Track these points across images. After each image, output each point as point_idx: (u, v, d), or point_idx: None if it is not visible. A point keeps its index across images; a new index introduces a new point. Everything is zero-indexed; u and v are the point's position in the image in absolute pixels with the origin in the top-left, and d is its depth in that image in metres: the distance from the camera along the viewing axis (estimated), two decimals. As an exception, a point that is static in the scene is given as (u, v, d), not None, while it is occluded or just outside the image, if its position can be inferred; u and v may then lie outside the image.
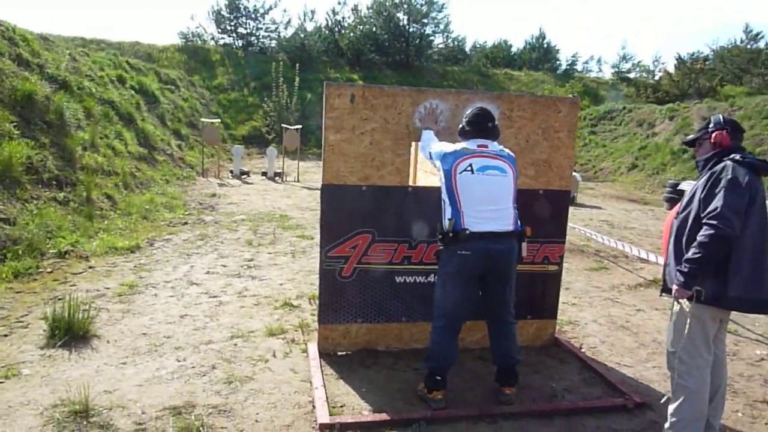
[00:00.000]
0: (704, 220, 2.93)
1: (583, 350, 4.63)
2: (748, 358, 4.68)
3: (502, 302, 3.65)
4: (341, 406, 3.53)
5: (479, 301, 3.67)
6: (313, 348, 4.29)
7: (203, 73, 24.76)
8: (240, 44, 29.63)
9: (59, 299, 4.99)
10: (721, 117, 3.26)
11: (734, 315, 5.72)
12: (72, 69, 12.00)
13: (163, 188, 11.34)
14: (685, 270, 2.96)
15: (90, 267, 6.17)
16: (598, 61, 49.92)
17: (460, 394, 3.75)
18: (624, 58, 36.80)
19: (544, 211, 4.40)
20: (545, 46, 36.31)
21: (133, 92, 15.05)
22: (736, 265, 2.95)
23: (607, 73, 36.93)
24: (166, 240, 7.67)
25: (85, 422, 3.19)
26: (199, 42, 29.42)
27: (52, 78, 10.29)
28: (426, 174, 5.41)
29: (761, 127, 16.09)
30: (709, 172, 3.06)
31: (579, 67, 36.85)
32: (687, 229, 3.07)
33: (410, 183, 4.75)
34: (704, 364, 3.09)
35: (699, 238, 2.92)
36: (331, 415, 3.36)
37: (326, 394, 3.61)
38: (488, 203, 3.45)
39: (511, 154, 3.70)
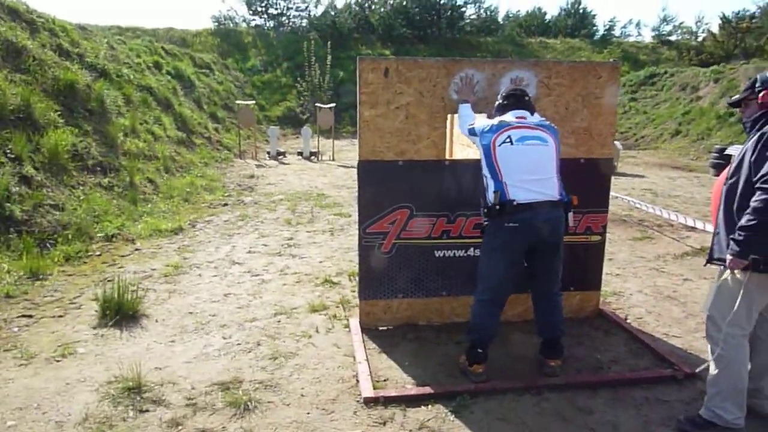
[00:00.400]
0: (757, 185, 2.75)
1: (628, 321, 4.54)
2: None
3: (550, 274, 3.59)
4: (385, 380, 3.57)
5: (525, 273, 3.63)
6: (354, 323, 4.33)
7: (236, 56, 24.90)
8: (271, 25, 29.65)
9: (109, 281, 5.16)
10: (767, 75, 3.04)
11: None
12: (110, 57, 12.23)
13: (202, 171, 11.53)
14: (740, 238, 2.78)
15: (136, 249, 6.35)
16: (637, 24, 48.03)
17: (504, 367, 3.73)
18: (665, 20, 35.36)
19: (585, 181, 4.29)
20: (581, 11, 35.06)
21: (169, 77, 15.27)
22: None
23: (647, 37, 35.60)
24: (208, 221, 7.82)
25: (138, 398, 3.31)
26: (231, 25, 29.55)
27: (92, 66, 10.51)
28: (463, 147, 5.34)
29: (815, 86, 15.28)
30: (759, 133, 2.87)
31: (617, 31, 35.55)
32: (738, 195, 2.91)
33: (447, 156, 4.69)
34: (742, 333, 2.96)
35: (753, 203, 2.75)
36: (375, 388, 3.39)
37: (369, 368, 3.65)
38: (531, 173, 3.38)
39: (552, 125, 3.62)
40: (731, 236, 2.86)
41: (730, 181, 3.00)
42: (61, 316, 4.49)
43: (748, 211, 2.77)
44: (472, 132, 3.65)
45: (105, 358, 3.81)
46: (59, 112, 8.08)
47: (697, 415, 3.07)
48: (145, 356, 3.84)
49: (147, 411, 3.19)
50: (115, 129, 9.43)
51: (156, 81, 13.81)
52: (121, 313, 4.39)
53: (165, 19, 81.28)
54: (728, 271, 2.94)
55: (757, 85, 3.03)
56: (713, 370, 3.02)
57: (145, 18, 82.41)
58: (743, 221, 2.79)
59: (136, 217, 7.49)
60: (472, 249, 4.20)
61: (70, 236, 6.12)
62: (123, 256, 6.10)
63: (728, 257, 2.86)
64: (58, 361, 3.77)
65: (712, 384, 3.02)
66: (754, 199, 2.76)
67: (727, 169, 3.11)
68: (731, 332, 2.94)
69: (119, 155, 8.94)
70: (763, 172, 2.75)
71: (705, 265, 3.25)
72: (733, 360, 2.95)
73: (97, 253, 6.08)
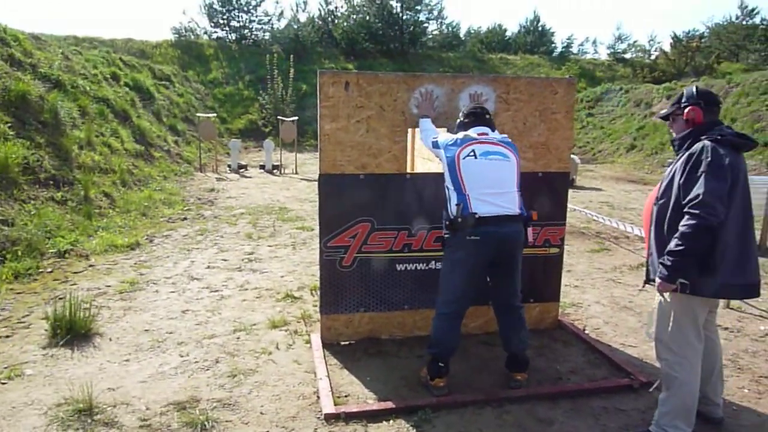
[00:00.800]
0: (686, 209, 2.73)
1: (586, 332, 4.62)
2: (752, 334, 4.67)
3: (510, 287, 3.62)
4: (346, 396, 3.53)
5: (486, 287, 3.65)
6: (316, 339, 4.28)
7: (197, 68, 24.59)
8: (233, 38, 29.34)
9: (60, 299, 4.98)
10: (694, 89, 3.00)
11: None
12: (65, 68, 11.92)
13: (161, 184, 11.30)
14: (669, 263, 2.77)
15: (90, 265, 6.16)
16: (594, 42, 49.77)
17: (465, 380, 3.74)
18: (619, 39, 36.57)
19: (543, 194, 4.37)
20: (540, 29, 35.95)
21: (127, 89, 14.97)
22: (723, 252, 2.79)
23: (603, 55, 36.71)
24: (166, 236, 7.65)
25: (89, 420, 3.18)
26: (192, 37, 29.15)
27: (46, 77, 10.22)
28: (424, 161, 5.38)
29: (759, 103, 16.00)
30: (687, 153, 2.85)
31: (574, 49, 36.59)
32: (667, 218, 2.89)
33: (408, 170, 4.72)
34: (694, 353, 2.94)
35: (681, 228, 2.73)
36: (336, 405, 3.35)
37: (330, 384, 3.60)
38: (493, 187, 3.42)
39: (512, 142, 3.69)
40: (660, 260, 2.85)
41: (661, 202, 2.96)
42: (8, 336, 4.30)
43: (677, 235, 2.76)
44: (435, 145, 3.67)
45: (55, 380, 3.66)
46: (10, 124, 7.82)
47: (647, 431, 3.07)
48: (98, 376, 3.71)
49: (98, 434, 3.07)
50: (70, 141, 9.17)
51: (113, 93, 13.52)
52: (72, 332, 4.23)
53: (124, 29, 79.52)
54: (666, 294, 2.93)
55: (683, 100, 3.01)
56: (665, 389, 3.01)
57: (102, 28, 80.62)
58: (672, 245, 2.77)
59: (90, 232, 7.27)
60: (433, 262, 4.22)
61: (19, 252, 5.89)
62: (76, 272, 5.90)
63: (657, 281, 2.87)
64: (3, 383, 3.60)
65: (663, 403, 3.01)
66: (682, 223, 2.74)
67: (656, 188, 3.08)
68: (683, 353, 2.93)
69: (73, 168, 8.68)
70: (691, 195, 2.73)
71: (642, 287, 3.26)
72: (687, 382, 2.93)
73: (49, 269, 5.87)
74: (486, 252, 3.42)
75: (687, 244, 2.71)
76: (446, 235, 3.54)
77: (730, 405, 3.52)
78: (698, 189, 2.70)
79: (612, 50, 36.03)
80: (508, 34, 36.73)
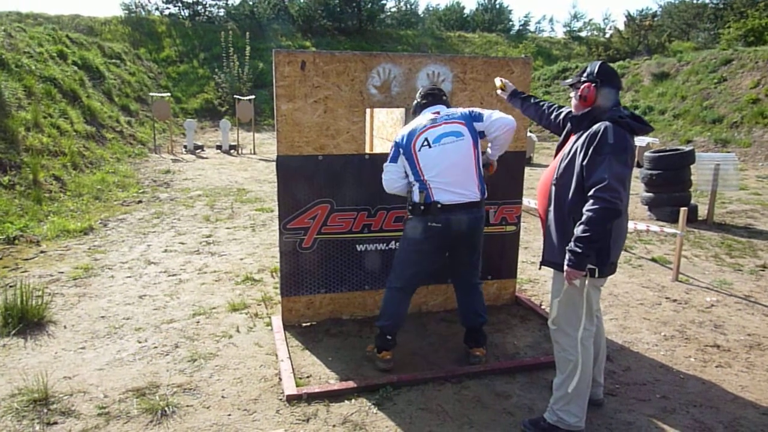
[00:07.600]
0: (591, 192, 2.63)
1: (543, 307, 4.75)
2: (698, 306, 4.88)
3: (470, 267, 3.69)
4: (308, 377, 3.55)
5: (446, 266, 3.70)
6: (277, 321, 4.28)
7: (149, 46, 23.77)
8: (186, 14, 28.42)
9: (11, 286, 4.82)
10: (597, 66, 2.86)
11: (684, 266, 5.91)
12: (8, 46, 11.37)
13: (114, 167, 10.98)
14: (579, 250, 2.65)
15: (41, 251, 5.97)
16: (550, 20, 50.33)
17: (425, 357, 3.81)
18: (575, 17, 37.16)
19: (500, 173, 4.42)
20: (497, 6, 36.12)
21: (75, 68, 14.40)
22: (616, 233, 2.78)
23: (560, 33, 37.22)
24: (121, 220, 7.46)
25: (45, 410, 3.12)
26: (143, 13, 28.14)
27: (-14, 55, 9.74)
28: (382, 141, 5.38)
29: (708, 81, 16.52)
30: (589, 133, 2.73)
31: (531, 27, 36.98)
32: (568, 199, 2.79)
33: (367, 150, 4.70)
34: (588, 335, 2.90)
35: (588, 213, 2.63)
36: (297, 386, 3.37)
37: (292, 365, 3.61)
38: (452, 174, 3.40)
39: (464, 111, 3.57)
40: (568, 247, 2.72)
41: (561, 182, 2.86)
42: (-45, 327, 4.15)
43: (583, 220, 2.65)
44: (395, 154, 3.51)
45: (7, 370, 3.56)
46: (-51, 105, 7.44)
47: (541, 418, 3.03)
48: (53, 365, 3.62)
49: (55, 424, 3.02)
50: (16, 123, 8.79)
51: (61, 72, 12.98)
52: (24, 321, 4.12)
53: (70, 5, 76.28)
54: (565, 284, 2.83)
55: (584, 74, 2.88)
56: (561, 373, 2.96)
57: (47, 4, 76.97)
58: (578, 231, 2.67)
59: (41, 216, 7.04)
60: (393, 242, 4.25)
61: (-36, 240, 5.67)
62: (27, 259, 5.72)
63: (566, 268, 2.74)
64: (-48, 375, 3.49)
65: (559, 387, 2.95)
66: (588, 207, 2.64)
67: (553, 166, 2.98)
68: (583, 336, 2.88)
69: (21, 151, 8.35)
70: (596, 178, 2.63)
71: (539, 269, 3.26)
72: (583, 364, 2.88)
73: (-3, 257, 5.67)
74: (446, 239, 3.46)
75: (594, 229, 2.62)
76: (409, 216, 3.55)
77: (677, 373, 3.70)
78: (603, 172, 2.61)
79: (568, 28, 36.54)
80: (466, 11, 36.81)
